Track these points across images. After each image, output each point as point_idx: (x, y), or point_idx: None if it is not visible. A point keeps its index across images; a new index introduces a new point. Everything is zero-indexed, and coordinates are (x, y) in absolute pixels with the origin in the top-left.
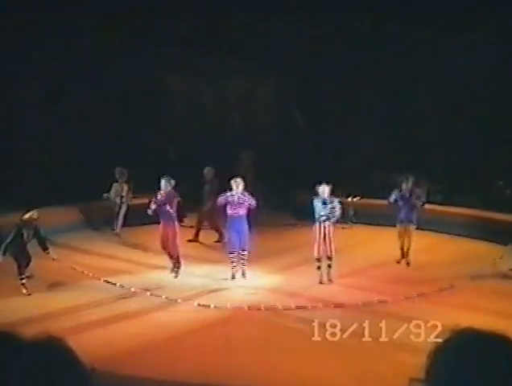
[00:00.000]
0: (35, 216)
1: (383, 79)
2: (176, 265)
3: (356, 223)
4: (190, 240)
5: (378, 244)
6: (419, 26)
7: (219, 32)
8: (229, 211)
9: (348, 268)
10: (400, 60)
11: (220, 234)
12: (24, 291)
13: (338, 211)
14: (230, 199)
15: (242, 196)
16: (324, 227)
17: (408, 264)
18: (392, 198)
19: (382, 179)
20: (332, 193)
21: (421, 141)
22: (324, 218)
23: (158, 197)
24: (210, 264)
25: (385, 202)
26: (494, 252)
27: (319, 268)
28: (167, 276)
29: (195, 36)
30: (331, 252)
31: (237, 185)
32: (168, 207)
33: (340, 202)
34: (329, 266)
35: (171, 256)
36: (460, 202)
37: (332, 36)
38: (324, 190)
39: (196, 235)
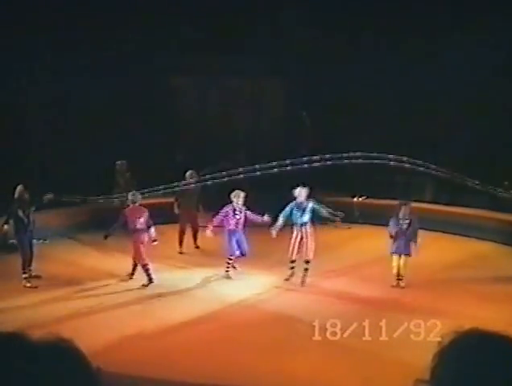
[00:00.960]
0: (22, 188)
1: (385, 78)
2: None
3: (362, 223)
4: (196, 246)
5: (382, 244)
6: (420, 27)
7: (223, 32)
8: (230, 226)
9: (350, 268)
10: (402, 60)
11: (180, 243)
12: (28, 285)
13: (322, 211)
14: (232, 215)
15: (245, 213)
16: (301, 231)
17: (403, 287)
18: (393, 230)
19: (385, 180)
20: (309, 196)
21: (425, 141)
22: (300, 222)
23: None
24: (211, 267)
25: (389, 202)
26: (499, 252)
27: (292, 268)
28: (168, 277)
29: (198, 36)
30: (308, 255)
31: (238, 198)
32: (140, 222)
33: (318, 203)
34: (305, 269)
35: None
36: (466, 202)
37: (334, 37)
38: (301, 192)
39: (194, 239)
